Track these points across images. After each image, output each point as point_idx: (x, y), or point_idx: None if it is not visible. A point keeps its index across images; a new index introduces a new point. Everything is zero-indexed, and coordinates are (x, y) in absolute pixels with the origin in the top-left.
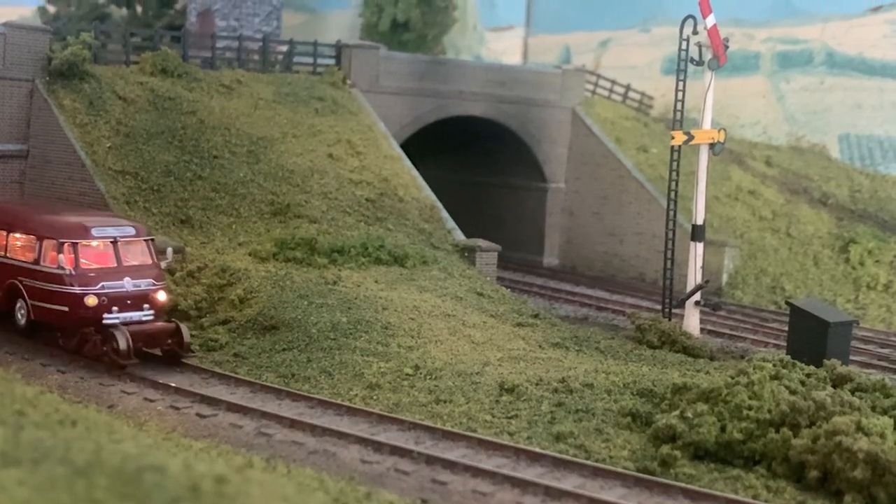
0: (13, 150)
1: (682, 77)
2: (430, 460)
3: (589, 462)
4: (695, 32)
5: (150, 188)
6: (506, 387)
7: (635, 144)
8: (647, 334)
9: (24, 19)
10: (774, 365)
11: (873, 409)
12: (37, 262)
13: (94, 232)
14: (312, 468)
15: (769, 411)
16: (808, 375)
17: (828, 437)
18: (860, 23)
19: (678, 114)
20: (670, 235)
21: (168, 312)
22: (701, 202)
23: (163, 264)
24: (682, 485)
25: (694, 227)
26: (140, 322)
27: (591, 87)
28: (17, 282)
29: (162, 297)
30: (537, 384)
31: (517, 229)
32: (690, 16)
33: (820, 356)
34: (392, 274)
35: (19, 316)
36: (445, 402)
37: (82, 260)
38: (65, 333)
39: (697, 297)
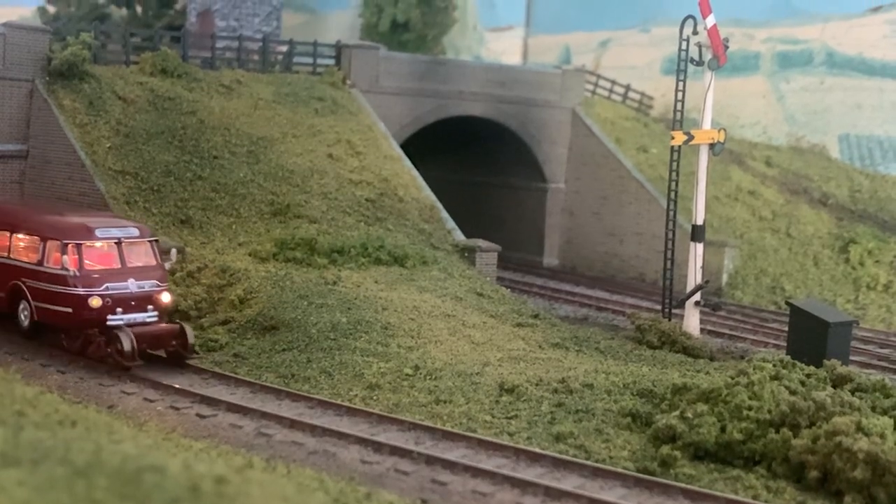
0: (13, 150)
1: (682, 77)
2: (430, 460)
3: (589, 462)
4: (695, 32)
5: (150, 188)
6: (506, 387)
7: (635, 145)
8: (647, 334)
9: (24, 19)
10: (774, 365)
11: (873, 409)
12: (40, 263)
13: (98, 233)
14: (312, 468)
15: (769, 412)
16: (808, 376)
17: (828, 438)
18: (860, 23)
19: (678, 114)
20: (670, 236)
21: (169, 313)
22: (701, 202)
23: (167, 265)
24: (682, 485)
25: (694, 227)
26: (144, 323)
27: (591, 87)
28: (20, 283)
29: (166, 298)
30: (537, 384)
31: (517, 229)
32: (690, 16)
33: (820, 356)
34: (392, 274)
35: (22, 317)
36: (445, 402)
37: (86, 261)
38: (68, 335)
39: (697, 297)
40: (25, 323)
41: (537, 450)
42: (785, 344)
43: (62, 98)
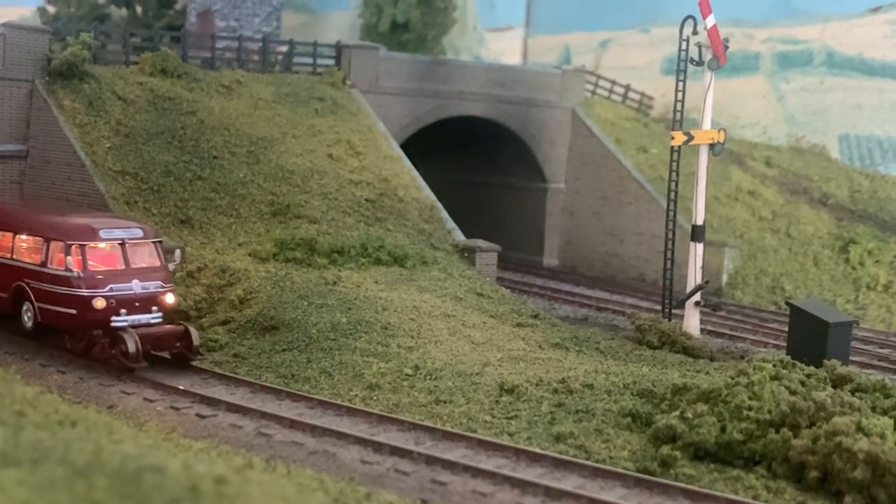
0: (13, 150)
1: (681, 77)
2: (430, 461)
3: (589, 462)
4: (695, 33)
5: (150, 188)
6: (506, 387)
7: (635, 145)
8: (647, 335)
9: (24, 19)
10: (774, 365)
11: (873, 409)
12: (44, 264)
13: (101, 234)
14: (312, 469)
15: (769, 412)
16: (808, 376)
17: (828, 438)
18: (860, 23)
19: (678, 114)
20: (670, 236)
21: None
22: (701, 202)
23: (171, 266)
24: (682, 485)
25: (694, 227)
26: (148, 325)
27: (590, 87)
28: (23, 284)
29: (170, 299)
30: (537, 385)
31: (517, 230)
32: (690, 16)
33: (820, 356)
34: (392, 274)
35: (26, 318)
36: (445, 402)
37: (90, 262)
38: (72, 336)
39: (697, 297)
40: (29, 324)
41: (537, 450)
42: (785, 344)
43: (62, 98)
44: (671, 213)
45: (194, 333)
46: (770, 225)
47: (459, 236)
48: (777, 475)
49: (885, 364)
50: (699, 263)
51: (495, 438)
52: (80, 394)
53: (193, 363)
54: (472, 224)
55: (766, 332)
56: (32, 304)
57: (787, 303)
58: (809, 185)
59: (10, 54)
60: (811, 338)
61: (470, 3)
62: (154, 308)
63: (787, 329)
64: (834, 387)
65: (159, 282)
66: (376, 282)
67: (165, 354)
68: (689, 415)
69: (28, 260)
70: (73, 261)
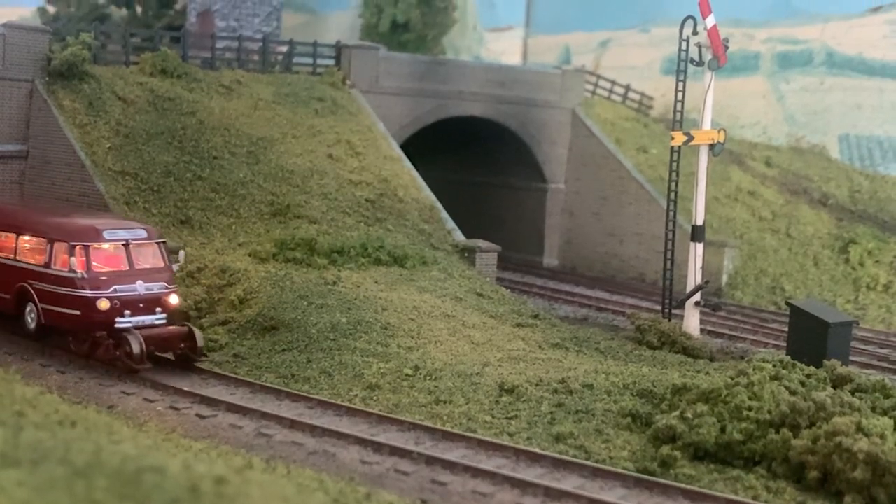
0: (13, 150)
1: (681, 77)
2: (430, 461)
3: (589, 463)
4: (695, 33)
5: (150, 189)
6: (506, 387)
7: (635, 145)
8: (646, 335)
9: (24, 20)
10: (774, 366)
11: (873, 409)
12: (47, 265)
13: (105, 235)
14: (312, 469)
15: (769, 412)
16: (808, 376)
17: (828, 438)
18: (860, 23)
19: (678, 114)
20: (670, 236)
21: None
22: (701, 203)
23: (175, 267)
24: (682, 485)
25: (694, 227)
26: (153, 326)
27: (590, 87)
28: (26, 285)
29: (174, 300)
30: (537, 385)
31: (517, 230)
32: (690, 16)
33: (820, 357)
34: (392, 274)
35: (29, 320)
36: (445, 402)
37: (94, 263)
38: (76, 338)
39: (697, 297)
40: (32, 325)
41: (537, 450)
42: (785, 344)
43: (62, 98)
44: (671, 214)
45: (198, 335)
46: (770, 225)
47: (459, 236)
48: (777, 475)
49: (885, 364)
50: (699, 263)
51: (495, 438)
52: (80, 394)
53: (197, 364)
54: (472, 224)
55: (766, 332)
56: (36, 306)
57: (787, 303)
58: (809, 185)
59: (10, 54)
60: (811, 338)
61: (470, 3)
62: (158, 309)
63: (787, 329)
64: (834, 387)
65: (163, 283)
66: (376, 282)
67: (169, 356)
68: (689, 415)
69: (31, 261)
70: (76, 262)
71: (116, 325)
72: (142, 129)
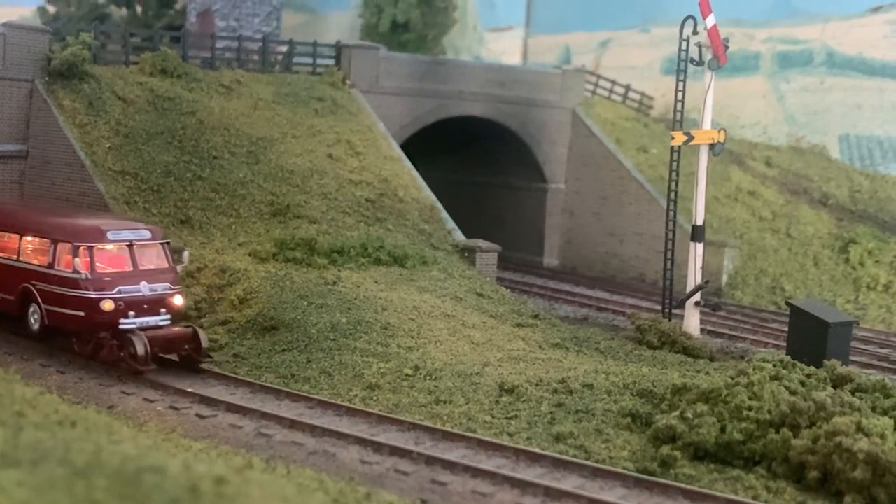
0: (13, 150)
1: (682, 77)
2: (430, 461)
3: (589, 463)
4: (695, 33)
5: (150, 188)
6: (505, 387)
7: (635, 145)
8: (647, 335)
9: (24, 19)
10: (774, 365)
11: (873, 409)
12: (51, 265)
13: (109, 235)
14: (312, 469)
15: (769, 412)
16: (808, 376)
17: (828, 438)
18: (860, 23)
19: (678, 114)
20: (670, 236)
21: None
22: (701, 203)
23: (179, 268)
24: (682, 485)
25: (694, 227)
26: (157, 327)
27: (591, 87)
28: (29, 286)
29: (178, 301)
30: (537, 385)
31: (517, 230)
32: (690, 16)
33: (820, 356)
34: (392, 274)
35: (32, 321)
36: (445, 402)
37: (98, 264)
38: (80, 339)
39: (697, 297)
40: (35, 326)
41: (537, 450)
42: (785, 344)
43: (62, 98)
44: (671, 213)
45: (203, 336)
46: (770, 225)
47: (459, 236)
48: (777, 475)
49: (885, 364)
50: (699, 263)
51: (495, 438)
52: (80, 394)
53: (205, 367)
54: (472, 224)
55: (766, 332)
56: (39, 307)
57: (787, 303)
58: (809, 185)
59: (10, 54)
60: (811, 338)
61: (470, 3)
62: (162, 310)
63: (787, 329)
64: (834, 387)
65: (167, 284)
66: (376, 282)
67: (173, 357)
68: (689, 415)
69: (35, 262)
70: (80, 262)
71: (120, 327)
72: (142, 128)
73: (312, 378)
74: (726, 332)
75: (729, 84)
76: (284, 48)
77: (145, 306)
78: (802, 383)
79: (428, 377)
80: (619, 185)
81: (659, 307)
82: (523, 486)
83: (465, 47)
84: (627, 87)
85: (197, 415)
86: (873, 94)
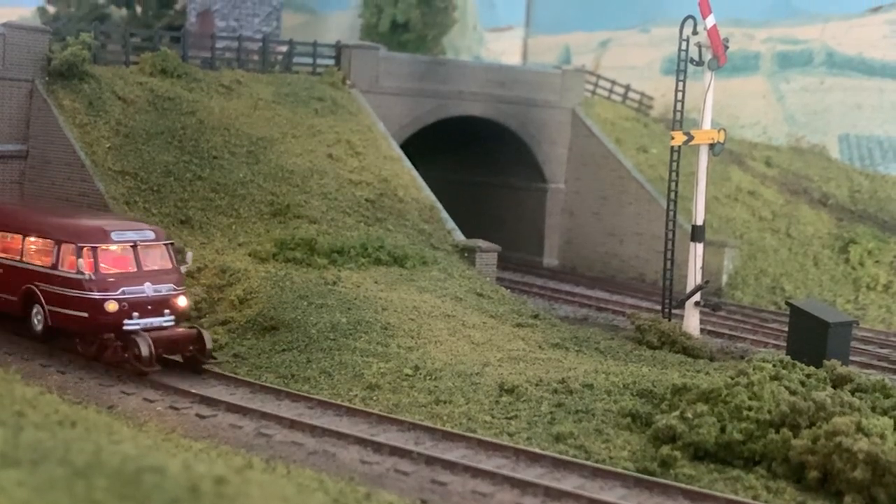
0: (13, 150)
1: (681, 77)
2: (430, 461)
3: (589, 462)
4: (695, 33)
5: (150, 188)
6: (505, 387)
7: (635, 145)
8: (646, 335)
9: (24, 19)
10: (774, 365)
11: (873, 409)
12: (54, 266)
13: (113, 236)
14: (312, 469)
15: (769, 412)
16: (808, 376)
17: (828, 438)
18: (860, 23)
19: (678, 114)
20: (670, 236)
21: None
22: (701, 203)
23: (182, 269)
24: (682, 485)
25: (694, 227)
26: (161, 328)
27: (590, 87)
28: (33, 287)
29: (183, 302)
30: (537, 385)
31: (517, 230)
32: (690, 16)
33: (820, 356)
34: (392, 274)
35: (35, 322)
36: (445, 402)
37: (102, 264)
38: (84, 340)
39: (697, 297)
40: (39, 327)
41: (537, 450)
42: (785, 344)
43: (62, 98)
44: (671, 213)
45: (207, 337)
46: (770, 225)
47: (459, 236)
48: (777, 475)
49: (885, 364)
50: (699, 263)
51: (495, 438)
52: (80, 394)
53: (206, 367)
54: (472, 224)
55: (766, 332)
56: (43, 308)
57: (787, 303)
58: (809, 185)
59: (10, 54)
60: (811, 338)
61: (470, 3)
62: (166, 311)
63: (787, 329)
64: (834, 387)
65: (171, 284)
66: (376, 282)
67: (177, 358)
68: (689, 415)
69: (38, 262)
70: (84, 263)
71: (125, 328)
72: (142, 128)
73: (312, 378)
74: (726, 332)
75: (729, 84)
76: (284, 48)
77: (149, 307)
78: (802, 383)
79: (428, 377)
80: (619, 185)
81: (659, 307)
82: (523, 486)
83: (465, 47)
84: (627, 87)
85: (197, 415)
86: (873, 94)
